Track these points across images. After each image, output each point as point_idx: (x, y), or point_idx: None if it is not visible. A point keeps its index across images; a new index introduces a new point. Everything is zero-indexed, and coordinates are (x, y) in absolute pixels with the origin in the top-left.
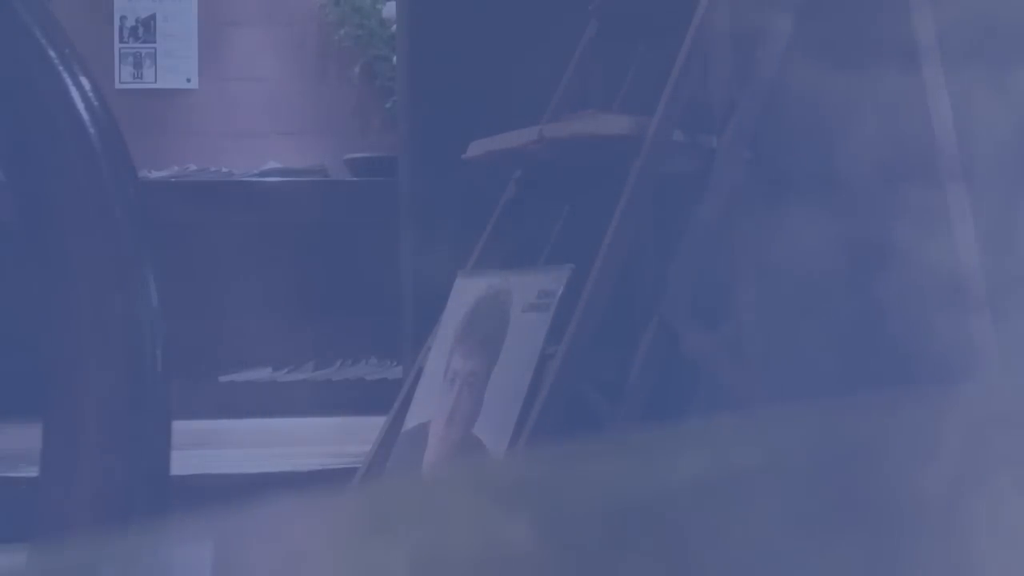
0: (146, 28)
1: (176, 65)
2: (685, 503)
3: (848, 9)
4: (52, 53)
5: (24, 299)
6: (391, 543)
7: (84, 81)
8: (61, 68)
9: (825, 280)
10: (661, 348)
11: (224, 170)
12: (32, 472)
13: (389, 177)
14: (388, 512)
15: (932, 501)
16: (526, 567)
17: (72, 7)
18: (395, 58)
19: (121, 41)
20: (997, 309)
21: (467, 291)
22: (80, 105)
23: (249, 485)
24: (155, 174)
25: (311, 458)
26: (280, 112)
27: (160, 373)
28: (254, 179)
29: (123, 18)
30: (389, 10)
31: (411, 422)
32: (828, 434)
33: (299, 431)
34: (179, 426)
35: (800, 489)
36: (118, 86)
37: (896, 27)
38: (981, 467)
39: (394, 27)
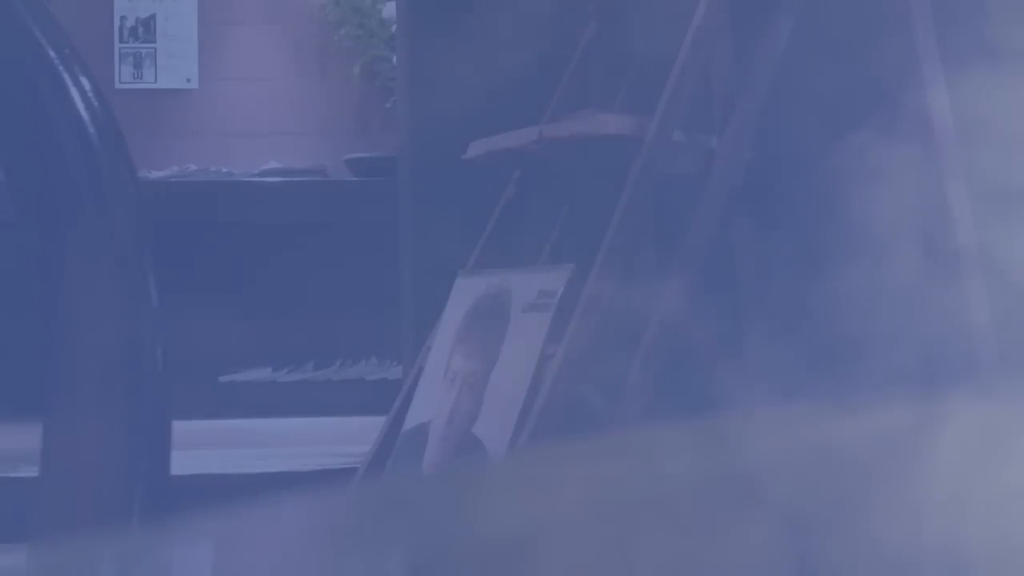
0: (146, 28)
1: (176, 65)
2: (685, 502)
3: (848, 8)
4: (52, 53)
5: (24, 299)
6: (390, 542)
7: (84, 81)
8: (61, 68)
9: (824, 279)
10: (661, 348)
11: (224, 170)
12: (32, 472)
13: (389, 177)
14: (388, 512)
15: (931, 499)
16: (526, 565)
17: (72, 7)
18: (395, 58)
19: (121, 41)
20: (997, 308)
21: (467, 291)
22: (80, 105)
23: (249, 485)
24: (155, 174)
25: (311, 458)
26: (280, 112)
27: (160, 373)
28: (254, 179)
29: (123, 18)
30: (389, 10)
31: (411, 422)
32: (826, 433)
33: (299, 431)
34: (179, 426)
35: (799, 488)
36: (118, 86)
37: (895, 25)
38: (980, 465)
39: (394, 27)
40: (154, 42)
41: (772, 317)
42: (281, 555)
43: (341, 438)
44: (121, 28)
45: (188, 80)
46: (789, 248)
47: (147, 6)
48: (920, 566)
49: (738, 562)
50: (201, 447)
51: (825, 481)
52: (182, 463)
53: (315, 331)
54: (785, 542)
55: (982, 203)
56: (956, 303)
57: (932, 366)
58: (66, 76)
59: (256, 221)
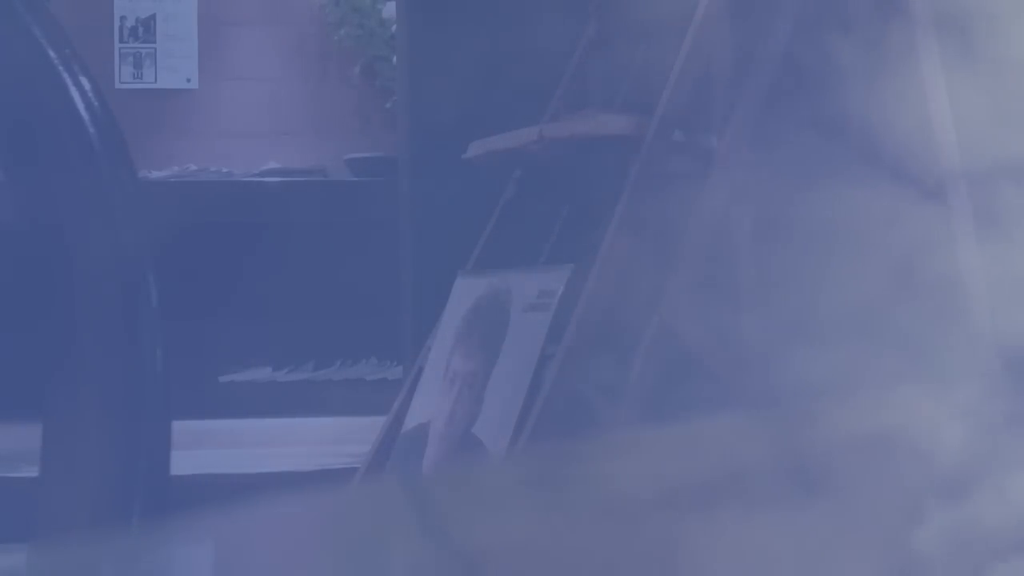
0: (146, 28)
1: (176, 65)
2: (684, 502)
3: (847, 7)
4: (52, 53)
5: (24, 299)
6: (391, 542)
7: (84, 81)
8: (61, 68)
9: (825, 279)
10: (661, 348)
11: (224, 170)
12: (32, 472)
13: (389, 177)
14: (388, 512)
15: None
16: (526, 565)
17: (72, 7)
18: (395, 58)
19: (121, 41)
20: (997, 308)
21: (467, 291)
22: (80, 105)
23: (249, 485)
24: (155, 174)
25: (311, 458)
26: (280, 112)
27: (160, 373)
28: (254, 179)
29: (123, 18)
30: (389, 10)
31: (411, 422)
32: (826, 434)
33: (299, 431)
34: (179, 426)
35: (798, 489)
36: (118, 86)
37: (895, 25)
38: (981, 465)
39: (394, 27)
40: (154, 42)
41: (772, 316)
42: (281, 555)
43: (341, 438)
44: (121, 28)
45: (188, 80)
46: (789, 248)
47: (147, 6)
48: (920, 561)
49: (740, 561)
50: (201, 447)
51: (825, 479)
52: (182, 463)
53: (315, 331)
54: (783, 542)
55: (981, 201)
56: (957, 302)
57: (932, 365)
58: (66, 76)
59: (256, 221)
